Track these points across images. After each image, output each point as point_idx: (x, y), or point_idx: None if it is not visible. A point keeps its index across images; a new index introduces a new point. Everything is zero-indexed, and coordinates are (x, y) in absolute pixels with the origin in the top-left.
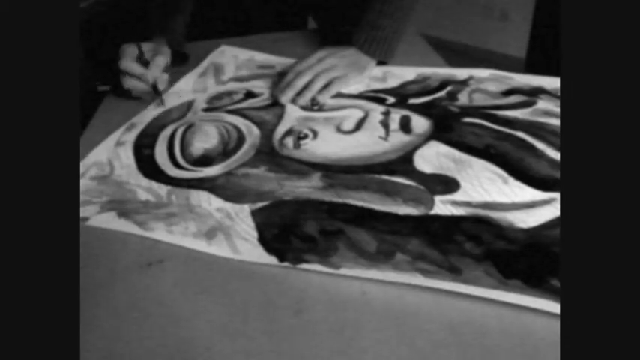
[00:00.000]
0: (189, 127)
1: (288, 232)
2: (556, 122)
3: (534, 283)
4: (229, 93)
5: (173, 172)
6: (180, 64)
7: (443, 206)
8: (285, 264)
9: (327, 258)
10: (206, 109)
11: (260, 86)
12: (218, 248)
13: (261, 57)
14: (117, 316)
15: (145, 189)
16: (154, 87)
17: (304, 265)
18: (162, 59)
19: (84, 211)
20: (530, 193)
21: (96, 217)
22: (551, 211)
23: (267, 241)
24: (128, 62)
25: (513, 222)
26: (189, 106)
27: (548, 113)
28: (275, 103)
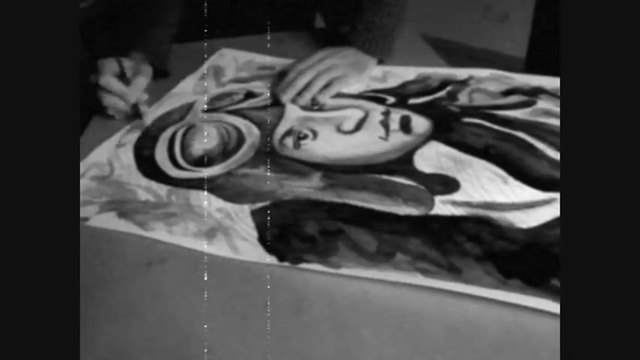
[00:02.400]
0: (190, 127)
1: (288, 232)
2: (556, 122)
3: (534, 283)
4: (229, 94)
5: (173, 172)
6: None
7: (443, 206)
8: (285, 264)
9: (327, 258)
10: (206, 110)
11: (260, 87)
12: (218, 248)
13: (261, 59)
14: (117, 316)
15: (144, 189)
16: (135, 107)
17: (304, 265)
18: (144, 80)
19: (84, 211)
20: (530, 193)
21: (96, 217)
22: (551, 211)
23: (267, 241)
24: (109, 79)
25: (513, 222)
26: (189, 107)
27: (548, 113)
28: (275, 103)
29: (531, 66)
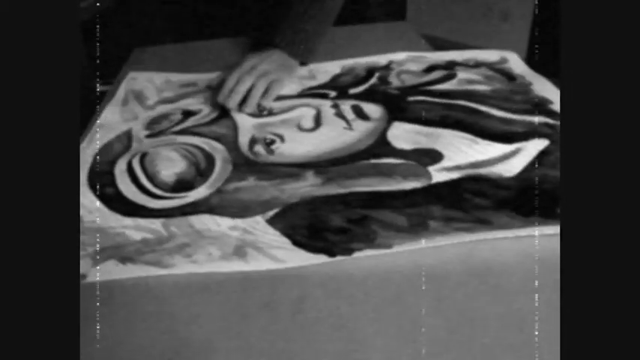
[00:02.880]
0: (144, 155)
1: (316, 230)
2: (483, 87)
3: (549, 214)
4: (165, 115)
5: (153, 203)
6: None
7: (439, 174)
8: (339, 258)
9: (374, 241)
10: (150, 135)
11: (193, 103)
12: (258, 263)
13: (178, 77)
14: (117, 316)
15: (134, 228)
16: None
17: (358, 254)
18: None
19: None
20: (498, 148)
21: (94, 271)
22: (524, 159)
23: (304, 244)
24: None
25: (501, 173)
26: (128, 135)
27: (472, 82)
28: (221, 116)
29: (531, 66)
